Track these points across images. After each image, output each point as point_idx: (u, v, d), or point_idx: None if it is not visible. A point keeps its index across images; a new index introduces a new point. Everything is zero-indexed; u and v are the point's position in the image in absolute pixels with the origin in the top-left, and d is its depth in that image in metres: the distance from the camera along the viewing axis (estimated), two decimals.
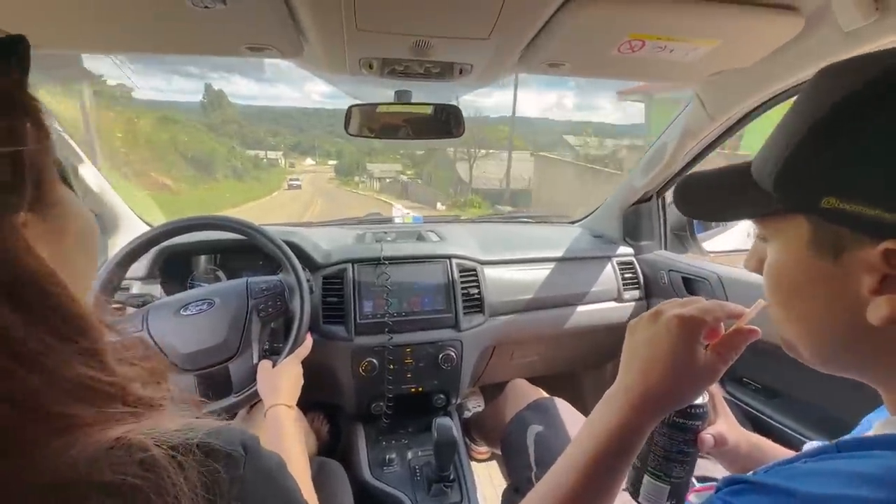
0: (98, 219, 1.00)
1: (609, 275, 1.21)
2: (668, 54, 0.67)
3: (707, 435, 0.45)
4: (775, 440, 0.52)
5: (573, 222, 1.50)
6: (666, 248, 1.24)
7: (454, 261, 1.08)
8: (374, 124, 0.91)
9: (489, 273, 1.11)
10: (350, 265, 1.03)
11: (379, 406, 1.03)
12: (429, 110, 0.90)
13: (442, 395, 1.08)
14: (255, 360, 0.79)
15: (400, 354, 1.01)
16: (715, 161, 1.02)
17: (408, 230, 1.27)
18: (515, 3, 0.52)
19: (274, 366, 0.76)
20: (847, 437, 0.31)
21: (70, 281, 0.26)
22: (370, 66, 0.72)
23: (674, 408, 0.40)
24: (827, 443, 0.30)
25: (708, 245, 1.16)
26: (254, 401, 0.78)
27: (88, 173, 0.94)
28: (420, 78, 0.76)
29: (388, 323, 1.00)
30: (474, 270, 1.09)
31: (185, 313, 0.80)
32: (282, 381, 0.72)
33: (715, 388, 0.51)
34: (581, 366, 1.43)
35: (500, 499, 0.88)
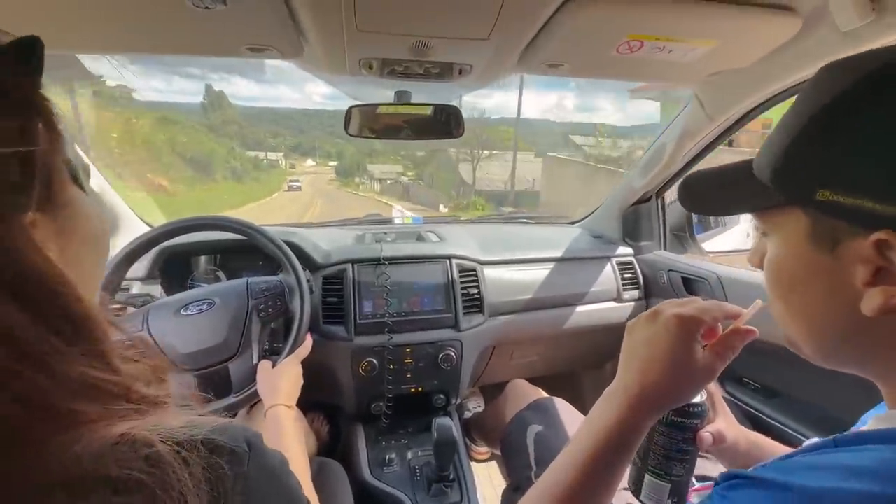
0: None
1: (608, 275, 1.22)
2: (667, 55, 0.67)
3: (706, 433, 0.46)
4: (775, 439, 0.53)
5: (573, 223, 1.50)
6: (665, 249, 1.24)
7: (454, 261, 1.08)
8: (374, 125, 0.92)
9: (489, 273, 1.12)
10: (350, 265, 1.03)
11: (379, 406, 1.03)
12: (428, 111, 0.91)
13: (442, 396, 1.08)
14: (254, 361, 0.79)
15: (400, 354, 1.01)
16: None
17: (407, 230, 1.27)
18: (514, 4, 0.53)
19: (274, 366, 0.76)
20: (845, 432, 0.31)
21: (78, 281, 0.26)
22: (370, 67, 0.72)
23: (672, 406, 0.40)
24: (825, 438, 0.30)
25: (707, 245, 1.16)
26: (253, 401, 0.78)
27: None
28: (420, 78, 0.76)
29: (388, 323, 1.00)
30: (474, 270, 1.10)
31: (185, 313, 0.80)
32: (281, 381, 0.72)
33: (713, 386, 0.51)
34: (581, 366, 1.43)
35: (500, 499, 0.88)
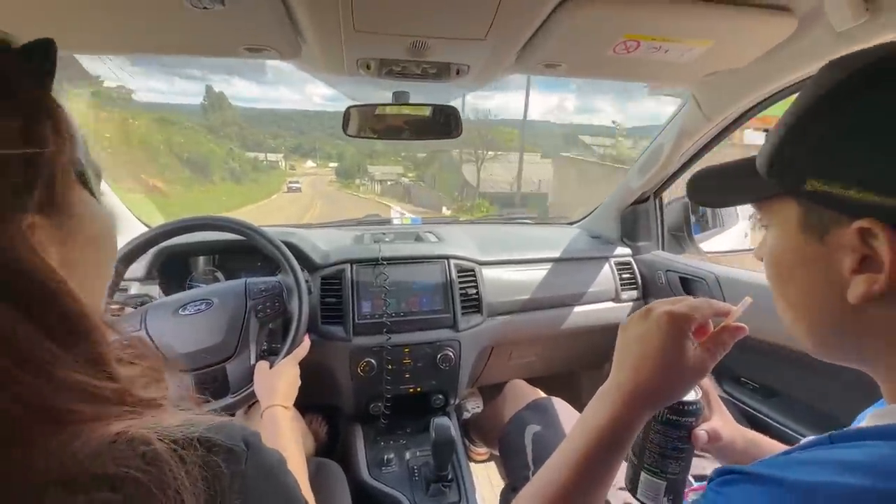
0: None
1: (607, 275, 1.22)
2: (664, 55, 0.68)
3: (701, 431, 0.46)
4: (773, 439, 0.53)
5: (571, 223, 1.50)
6: (663, 249, 1.25)
7: (452, 261, 1.08)
8: (373, 125, 0.92)
9: (487, 273, 1.12)
10: (348, 265, 1.03)
11: (377, 406, 1.03)
12: (427, 111, 0.91)
13: (440, 396, 1.08)
14: (252, 361, 0.79)
15: (398, 355, 1.01)
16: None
17: (406, 231, 1.27)
18: (511, 4, 0.53)
19: (271, 367, 0.76)
20: (842, 429, 0.31)
21: (82, 285, 0.27)
22: (368, 67, 0.73)
23: (665, 403, 0.41)
24: (821, 436, 0.30)
25: (705, 245, 1.16)
26: (251, 401, 0.78)
27: None
28: (417, 78, 0.77)
29: (387, 323, 1.00)
30: (472, 271, 1.10)
31: (183, 313, 0.80)
32: (279, 382, 0.72)
33: (708, 385, 0.51)
34: (579, 366, 1.43)
35: (499, 499, 0.87)
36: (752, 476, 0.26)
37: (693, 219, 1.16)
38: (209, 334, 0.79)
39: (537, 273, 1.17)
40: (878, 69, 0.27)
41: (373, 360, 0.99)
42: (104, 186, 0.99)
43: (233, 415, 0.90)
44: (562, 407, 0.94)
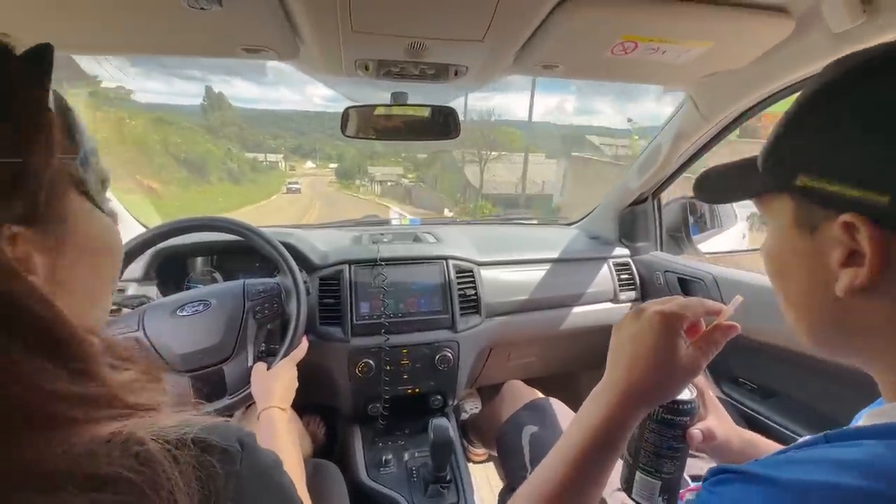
0: None
1: (605, 276, 1.22)
2: (661, 56, 0.68)
3: (695, 430, 0.46)
4: (771, 439, 0.53)
5: (570, 224, 1.50)
6: (661, 249, 1.25)
7: (451, 262, 1.08)
8: (371, 126, 0.92)
9: (486, 274, 1.12)
10: (347, 266, 1.03)
11: (375, 407, 1.03)
12: (425, 112, 0.91)
13: (439, 397, 1.08)
14: (249, 363, 0.79)
15: (396, 355, 1.01)
16: None
17: (404, 232, 1.27)
18: (509, 6, 0.53)
19: (269, 368, 0.76)
20: (838, 428, 0.31)
21: (76, 297, 0.26)
22: (366, 68, 0.73)
23: (658, 402, 0.41)
24: (817, 435, 0.30)
25: (703, 246, 1.16)
26: (248, 403, 0.78)
27: None
28: (416, 79, 0.77)
29: (385, 324, 1.00)
30: (471, 271, 1.10)
31: (181, 314, 0.80)
32: (276, 383, 0.72)
33: (703, 384, 0.51)
34: (578, 366, 1.43)
35: (497, 500, 0.87)
36: (746, 475, 0.26)
37: (691, 219, 1.16)
38: (207, 335, 0.79)
39: (536, 274, 1.17)
40: (867, 68, 0.27)
41: (371, 361, 0.99)
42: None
43: (230, 416, 0.90)
44: (559, 407, 0.94)
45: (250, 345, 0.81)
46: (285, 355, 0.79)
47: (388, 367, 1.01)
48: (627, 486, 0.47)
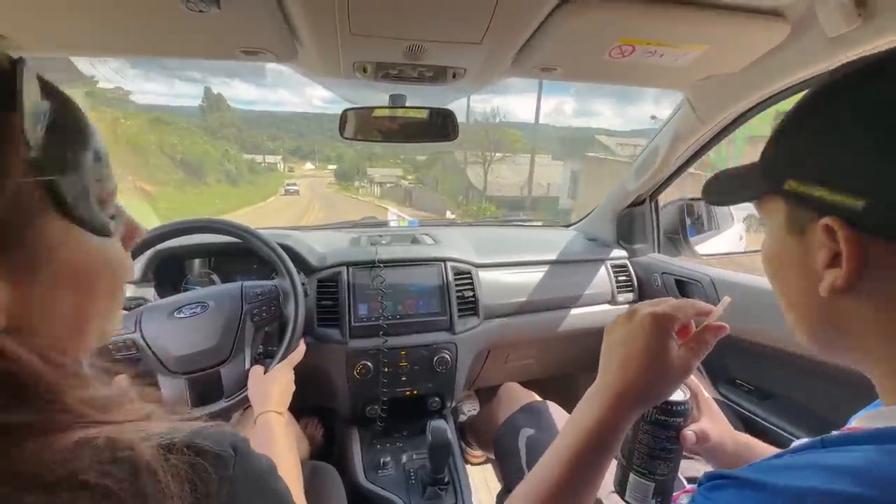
0: None
1: (603, 277, 1.22)
2: (659, 59, 0.68)
3: (689, 432, 0.46)
4: (768, 441, 0.53)
5: (567, 226, 1.51)
6: (659, 251, 1.25)
7: (449, 264, 1.08)
8: (369, 128, 0.92)
9: (484, 276, 1.12)
10: (345, 268, 1.03)
11: (373, 409, 1.03)
12: (424, 114, 0.91)
13: (437, 398, 1.08)
14: (247, 366, 0.79)
15: (395, 357, 1.01)
16: None
17: (403, 233, 1.27)
18: (507, 9, 0.53)
19: (266, 371, 0.75)
20: (833, 432, 0.31)
21: (52, 326, 0.25)
22: (364, 70, 0.73)
23: (651, 403, 0.41)
24: (813, 439, 0.30)
25: (701, 248, 1.16)
26: (244, 406, 0.77)
27: None
28: (414, 82, 0.77)
29: (383, 326, 1.00)
30: (469, 273, 1.10)
31: (178, 316, 0.80)
32: (273, 387, 0.71)
33: (697, 386, 0.51)
34: (575, 368, 1.43)
35: (495, 502, 0.87)
36: (741, 481, 0.26)
37: (688, 221, 1.17)
38: (204, 337, 0.78)
39: (534, 275, 1.17)
40: (846, 81, 0.28)
41: (369, 363, 0.99)
42: None
43: (227, 419, 0.90)
44: (555, 410, 0.94)
45: (248, 347, 0.81)
46: (283, 358, 0.78)
47: (386, 369, 1.00)
48: (621, 488, 0.47)
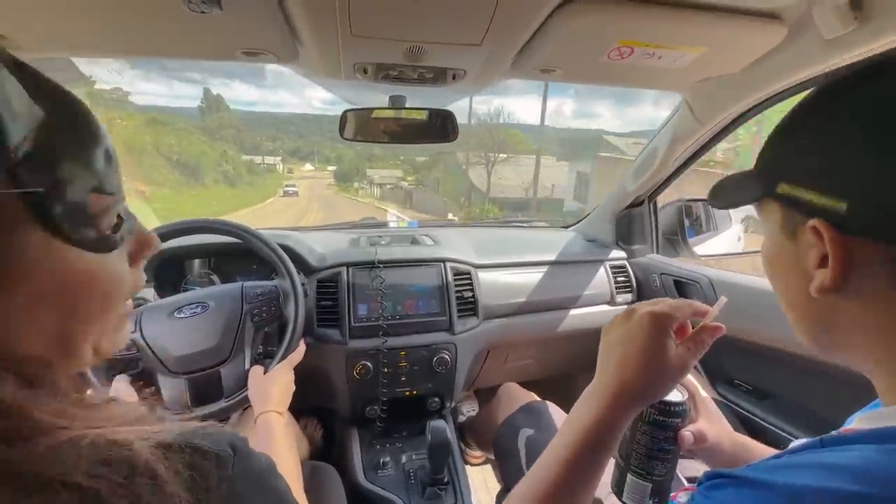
0: None
1: (602, 278, 1.22)
2: (657, 61, 0.69)
3: (686, 432, 0.46)
4: (767, 442, 0.53)
5: (566, 227, 1.51)
6: (658, 252, 1.25)
7: (448, 264, 1.08)
8: (369, 129, 0.92)
9: (483, 276, 1.12)
10: (345, 268, 1.03)
11: (373, 409, 1.03)
12: (423, 115, 0.91)
13: (436, 399, 1.08)
14: (246, 366, 0.79)
15: (394, 358, 1.01)
16: None
17: (402, 234, 1.27)
18: (506, 10, 0.53)
19: (266, 371, 0.76)
20: (832, 433, 0.31)
21: (32, 342, 0.24)
22: (364, 71, 0.73)
23: (649, 401, 0.41)
24: (812, 439, 0.30)
25: (699, 249, 1.17)
26: (244, 406, 0.77)
27: None
28: (414, 83, 0.77)
29: (383, 326, 1.00)
30: (468, 274, 1.10)
31: (178, 316, 0.80)
32: (273, 387, 0.71)
33: (694, 386, 0.51)
34: (574, 369, 1.44)
35: (494, 502, 0.87)
36: (740, 480, 0.26)
37: (687, 222, 1.17)
38: (204, 338, 0.79)
39: (533, 276, 1.17)
40: (833, 90, 0.30)
41: (369, 364, 0.99)
42: None
43: (226, 420, 0.90)
44: (554, 410, 0.94)
45: (248, 347, 0.81)
46: (283, 358, 0.79)
47: (385, 370, 1.01)
48: (618, 489, 0.47)
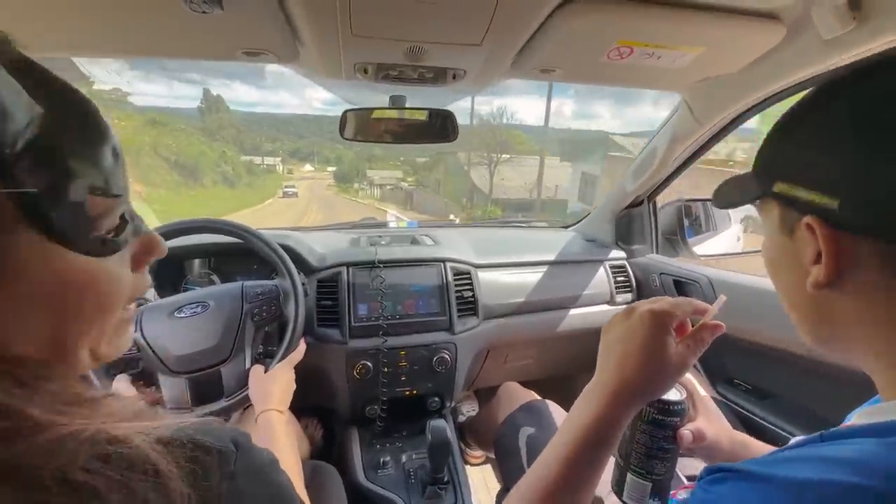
0: None
1: (602, 278, 1.23)
2: (656, 61, 0.69)
3: (685, 431, 0.46)
4: (766, 441, 0.53)
5: (566, 227, 1.51)
6: (657, 252, 1.26)
7: (448, 264, 1.08)
8: (369, 129, 0.92)
9: (483, 276, 1.12)
10: (345, 268, 1.03)
11: (373, 409, 1.03)
12: (423, 115, 0.92)
13: (436, 398, 1.08)
14: (247, 365, 0.79)
15: (394, 357, 1.01)
16: None
17: (402, 234, 1.28)
18: (506, 10, 0.54)
19: (266, 370, 0.76)
20: (832, 428, 0.31)
21: (23, 344, 0.24)
22: (365, 71, 0.73)
23: (648, 399, 0.41)
24: (812, 435, 0.30)
25: (698, 249, 1.17)
26: (245, 405, 0.77)
27: None
28: (414, 83, 0.77)
29: (383, 326, 1.00)
30: (468, 273, 1.10)
31: (179, 315, 0.80)
32: (273, 386, 0.72)
33: (693, 385, 0.52)
34: (574, 369, 1.44)
35: (494, 501, 0.87)
36: (741, 473, 0.26)
37: (686, 222, 1.17)
38: (205, 337, 0.79)
39: (533, 276, 1.17)
40: (827, 91, 0.30)
41: (369, 363, 0.99)
42: None
43: (227, 419, 0.90)
44: (555, 409, 0.94)
45: (248, 347, 0.81)
46: (283, 357, 0.79)
47: (385, 369, 1.01)
48: (619, 489, 0.47)
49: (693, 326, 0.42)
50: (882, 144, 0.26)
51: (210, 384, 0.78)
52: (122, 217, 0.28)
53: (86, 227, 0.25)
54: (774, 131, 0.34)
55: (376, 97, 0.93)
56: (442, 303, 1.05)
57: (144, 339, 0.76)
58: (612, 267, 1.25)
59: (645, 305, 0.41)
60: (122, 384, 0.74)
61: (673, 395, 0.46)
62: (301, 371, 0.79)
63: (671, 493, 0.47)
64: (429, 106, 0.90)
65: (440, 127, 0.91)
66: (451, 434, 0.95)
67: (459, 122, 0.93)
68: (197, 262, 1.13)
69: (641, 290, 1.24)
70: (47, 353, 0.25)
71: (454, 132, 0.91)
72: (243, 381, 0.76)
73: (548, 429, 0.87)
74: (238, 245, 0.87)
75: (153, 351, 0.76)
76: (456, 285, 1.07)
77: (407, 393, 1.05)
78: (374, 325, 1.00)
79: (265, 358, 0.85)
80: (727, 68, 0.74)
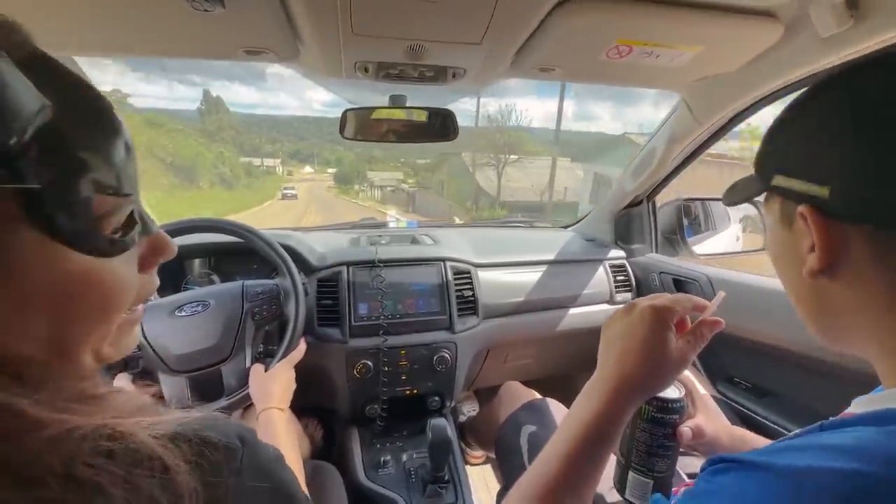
0: None
1: (601, 277, 1.23)
2: (655, 60, 0.69)
3: (685, 428, 0.47)
4: (767, 438, 0.53)
5: (566, 227, 1.52)
6: (657, 251, 1.26)
7: (448, 263, 1.08)
8: (370, 128, 0.93)
9: (483, 276, 1.12)
10: (345, 268, 1.03)
11: (373, 408, 1.03)
12: (423, 114, 0.92)
13: (437, 398, 1.08)
14: (247, 364, 0.79)
15: (395, 357, 1.01)
16: None
17: (402, 234, 1.28)
18: (506, 9, 0.54)
19: (266, 369, 0.76)
20: (832, 418, 0.32)
21: (21, 344, 0.23)
22: (365, 70, 0.74)
23: (649, 394, 0.42)
24: (812, 425, 0.30)
25: (698, 248, 1.17)
26: (245, 404, 0.77)
27: None
28: (415, 81, 0.78)
29: (383, 325, 1.00)
30: (468, 273, 1.10)
31: (179, 314, 0.80)
32: (274, 385, 0.72)
33: (692, 383, 0.52)
34: (574, 368, 1.44)
35: (494, 501, 0.87)
36: (743, 463, 0.27)
37: (686, 222, 1.18)
38: (205, 336, 0.79)
39: (533, 275, 1.17)
40: (820, 85, 0.31)
41: (369, 363, 0.99)
42: None
43: (228, 418, 0.90)
44: (556, 407, 0.94)
45: (248, 346, 0.81)
46: (283, 356, 0.79)
47: (386, 369, 1.01)
48: (620, 487, 0.47)
49: (692, 323, 0.42)
50: (868, 135, 0.27)
51: (210, 383, 0.78)
52: (131, 216, 0.28)
53: (92, 226, 0.25)
54: (773, 127, 0.34)
55: (376, 97, 0.93)
56: (442, 302, 1.05)
57: (145, 337, 0.76)
58: (611, 266, 1.25)
59: (645, 302, 0.41)
60: (123, 383, 0.74)
61: (671, 392, 0.46)
62: (301, 370, 0.79)
63: (672, 490, 0.47)
64: (429, 105, 0.91)
65: (440, 126, 0.92)
66: (451, 432, 0.95)
67: (463, 123, 0.93)
68: (197, 261, 1.13)
69: (641, 289, 1.25)
70: (49, 353, 0.25)
71: (454, 131, 0.92)
72: (244, 380, 0.76)
73: (549, 427, 0.87)
74: (238, 244, 0.88)
75: (153, 350, 0.76)
76: (456, 284, 1.07)
77: (407, 392, 1.05)
78: (374, 325, 1.00)
79: (265, 357, 0.85)
80: (725, 67, 0.75)
